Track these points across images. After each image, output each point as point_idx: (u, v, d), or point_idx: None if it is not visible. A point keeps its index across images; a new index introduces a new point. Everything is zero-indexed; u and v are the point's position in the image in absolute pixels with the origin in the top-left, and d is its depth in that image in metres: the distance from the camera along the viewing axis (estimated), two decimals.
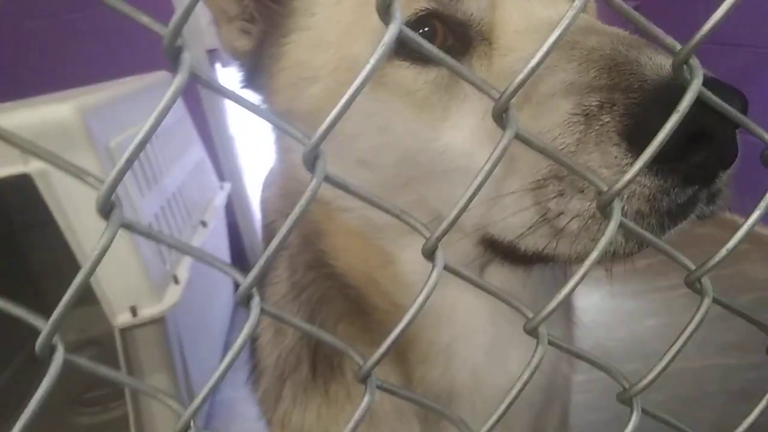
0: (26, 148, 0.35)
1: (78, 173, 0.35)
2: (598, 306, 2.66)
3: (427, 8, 0.61)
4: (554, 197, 0.55)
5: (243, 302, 0.40)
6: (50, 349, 0.39)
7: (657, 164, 0.50)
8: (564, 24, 0.40)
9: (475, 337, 0.76)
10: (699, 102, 0.43)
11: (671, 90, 0.46)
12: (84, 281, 0.36)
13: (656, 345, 2.34)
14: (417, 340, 0.76)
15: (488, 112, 0.60)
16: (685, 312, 0.48)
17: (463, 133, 0.61)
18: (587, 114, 0.52)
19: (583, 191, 0.54)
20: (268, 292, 0.92)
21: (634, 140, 0.50)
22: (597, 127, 0.52)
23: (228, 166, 3.39)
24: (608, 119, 0.51)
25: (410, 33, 0.37)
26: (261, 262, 0.38)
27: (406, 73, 0.61)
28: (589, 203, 0.54)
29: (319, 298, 0.81)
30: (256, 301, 0.40)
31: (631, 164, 0.44)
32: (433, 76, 0.61)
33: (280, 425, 0.88)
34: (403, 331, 0.42)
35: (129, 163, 0.33)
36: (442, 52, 0.40)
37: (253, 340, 0.97)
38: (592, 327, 2.49)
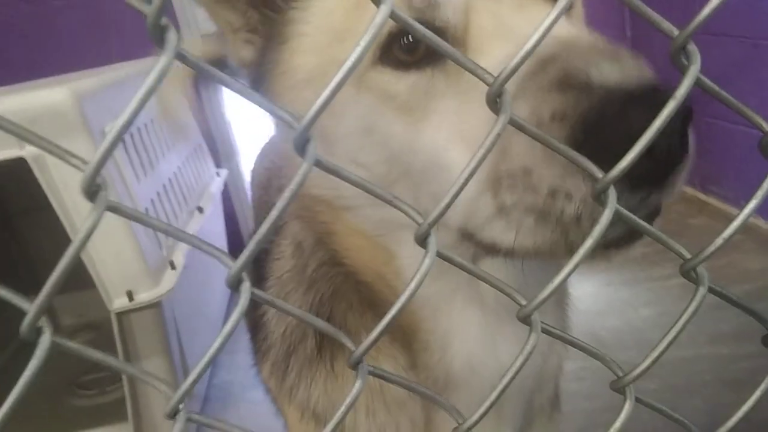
0: (11, 129, 0.34)
1: (62, 155, 0.34)
2: (593, 295, 2.66)
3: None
4: (508, 190, 0.57)
5: (233, 286, 0.40)
6: (36, 332, 0.39)
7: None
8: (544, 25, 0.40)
9: (468, 328, 0.80)
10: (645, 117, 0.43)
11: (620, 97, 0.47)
12: (69, 264, 0.36)
13: (651, 334, 2.34)
14: (419, 330, 0.81)
15: (462, 112, 0.63)
16: (680, 301, 0.47)
17: (441, 133, 0.64)
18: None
19: (534, 188, 0.54)
20: (274, 266, 0.95)
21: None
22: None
23: (225, 152, 3.38)
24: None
25: (404, 18, 0.37)
26: (251, 246, 0.38)
27: (388, 78, 0.65)
28: (542, 199, 0.54)
29: (330, 288, 0.85)
30: (245, 286, 0.40)
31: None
32: (412, 80, 0.65)
33: (288, 399, 0.90)
34: (394, 317, 0.42)
35: (113, 144, 0.32)
36: (446, 44, 0.40)
37: (260, 315, 1.00)
38: (586, 316, 2.50)
